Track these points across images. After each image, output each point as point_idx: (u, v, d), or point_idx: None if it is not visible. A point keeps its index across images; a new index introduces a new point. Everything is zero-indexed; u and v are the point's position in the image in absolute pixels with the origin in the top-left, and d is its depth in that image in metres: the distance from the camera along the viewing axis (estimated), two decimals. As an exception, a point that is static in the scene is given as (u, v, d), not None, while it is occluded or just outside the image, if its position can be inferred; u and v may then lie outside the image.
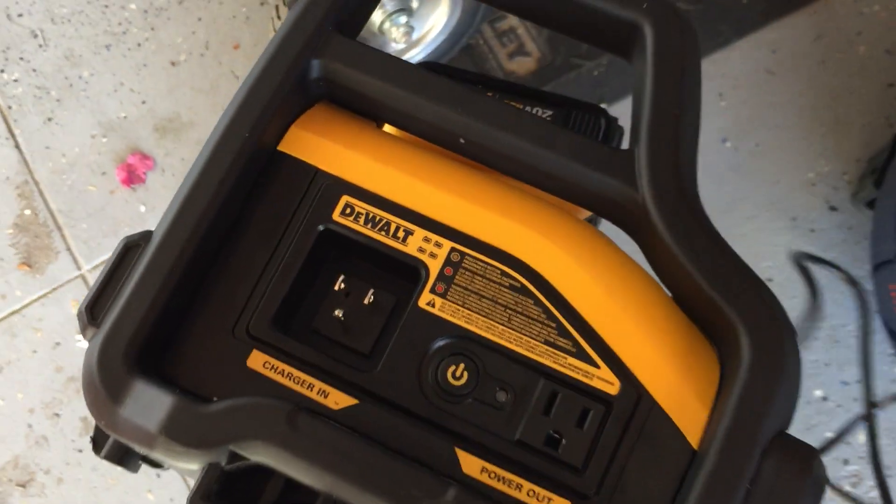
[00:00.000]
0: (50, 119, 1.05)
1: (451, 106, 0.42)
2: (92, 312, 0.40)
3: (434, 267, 0.42)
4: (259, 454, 0.36)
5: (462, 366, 0.40)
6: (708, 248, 0.39)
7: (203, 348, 0.41)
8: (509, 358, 0.40)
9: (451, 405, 0.40)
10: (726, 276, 0.39)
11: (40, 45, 1.07)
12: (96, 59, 1.07)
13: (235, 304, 0.41)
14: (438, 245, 0.42)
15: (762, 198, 1.00)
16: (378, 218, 0.42)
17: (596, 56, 1.03)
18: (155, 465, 0.41)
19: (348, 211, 0.42)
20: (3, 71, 1.07)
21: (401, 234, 0.42)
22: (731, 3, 1.05)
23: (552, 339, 0.40)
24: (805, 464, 0.36)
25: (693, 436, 0.39)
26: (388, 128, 0.48)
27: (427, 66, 0.54)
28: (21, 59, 1.07)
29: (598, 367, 0.40)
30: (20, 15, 1.08)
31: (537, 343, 0.40)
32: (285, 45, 0.43)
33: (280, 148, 0.44)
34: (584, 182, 0.42)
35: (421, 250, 0.42)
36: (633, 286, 0.42)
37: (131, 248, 0.41)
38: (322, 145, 0.44)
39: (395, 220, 0.42)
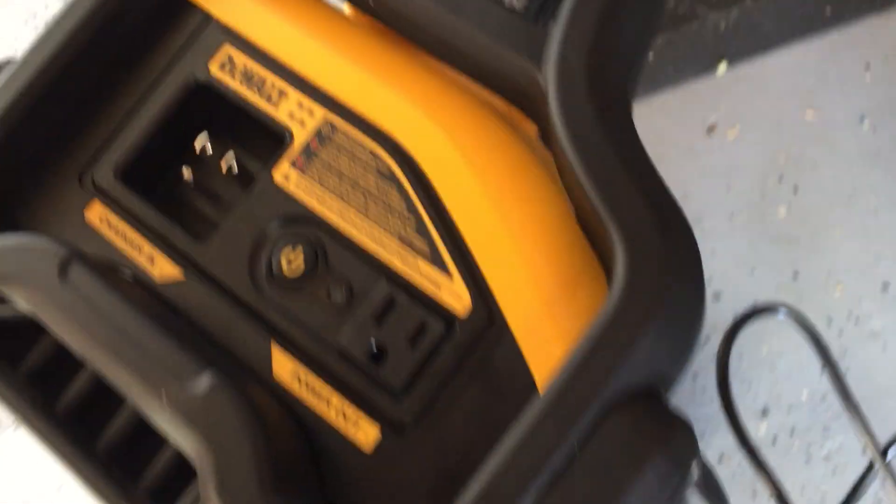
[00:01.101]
0: None
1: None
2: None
3: (300, 136, 0.35)
4: (24, 300, 0.32)
5: (300, 251, 0.34)
6: (606, 150, 0.31)
7: (48, 193, 0.37)
8: (354, 252, 0.34)
9: (280, 295, 0.34)
10: (620, 186, 0.30)
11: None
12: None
13: (90, 148, 0.37)
14: (311, 112, 0.36)
15: (894, 191, 0.85)
16: (253, 75, 0.37)
17: (725, 6, 0.91)
18: None
19: (226, 63, 0.37)
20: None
21: (274, 94, 0.36)
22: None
23: (407, 237, 0.33)
24: (658, 435, 0.27)
25: (542, 377, 0.31)
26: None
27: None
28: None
29: (450, 277, 0.32)
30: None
31: (390, 239, 0.33)
32: None
33: (180, -9, 0.39)
34: (487, 56, 0.34)
35: (291, 116, 0.36)
36: (522, 192, 0.34)
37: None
38: (222, -9, 0.38)
39: (272, 79, 0.36)
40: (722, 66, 0.90)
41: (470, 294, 0.32)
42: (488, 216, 0.33)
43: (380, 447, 0.31)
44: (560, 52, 0.32)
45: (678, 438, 0.28)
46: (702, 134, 0.90)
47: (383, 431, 0.31)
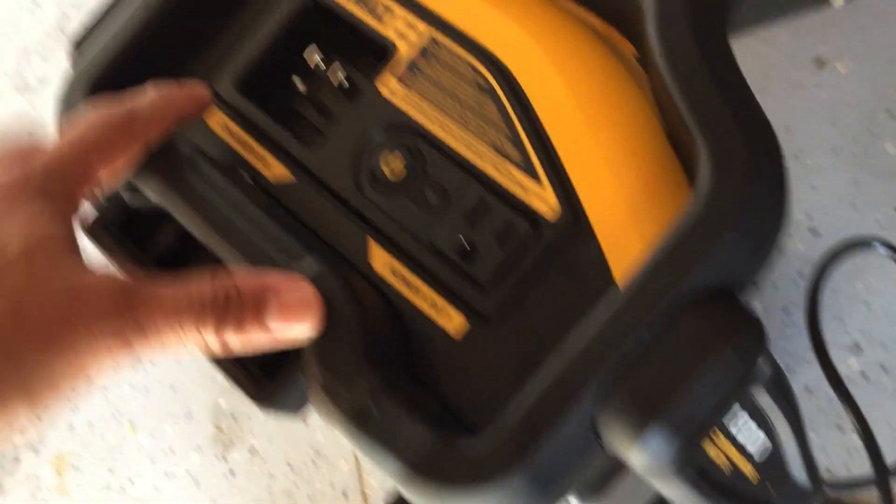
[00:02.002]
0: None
1: None
2: (79, 45, 0.41)
3: (404, 51, 0.38)
4: (152, 190, 0.36)
5: (400, 157, 0.37)
6: (699, 65, 0.32)
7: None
8: (450, 158, 0.36)
9: (379, 196, 0.37)
10: (710, 100, 0.31)
11: None
12: None
13: (212, 60, 0.41)
14: (415, 28, 0.38)
15: None
16: (362, -7, 0.39)
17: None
18: None
19: (336, -19, 0.40)
20: None
21: (380, 10, 0.39)
22: None
23: (501, 146, 0.35)
24: (726, 329, 0.29)
25: (622, 275, 0.33)
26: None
27: None
28: None
29: (540, 183, 0.35)
30: None
31: (485, 148, 0.36)
32: None
33: (295, -88, 0.41)
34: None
35: (397, 32, 0.38)
36: (613, 105, 0.35)
37: (128, -10, 0.41)
38: (335, -87, 0.41)
39: (379, -3, 0.39)
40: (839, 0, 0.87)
41: (557, 198, 0.34)
42: (579, 126, 0.35)
43: (466, 334, 0.34)
44: (657, -28, 0.33)
45: (747, 332, 0.29)
46: (810, 68, 0.88)
47: (470, 321, 0.34)
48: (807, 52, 0.89)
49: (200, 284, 0.30)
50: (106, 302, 0.28)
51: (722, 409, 0.29)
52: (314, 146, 0.38)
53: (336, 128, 0.38)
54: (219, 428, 0.86)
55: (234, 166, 0.38)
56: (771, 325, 0.77)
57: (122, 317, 0.28)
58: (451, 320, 0.34)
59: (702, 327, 0.29)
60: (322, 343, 0.32)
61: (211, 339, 0.29)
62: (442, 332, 0.34)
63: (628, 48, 0.40)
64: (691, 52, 0.32)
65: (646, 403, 0.28)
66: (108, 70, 0.39)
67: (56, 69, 1.08)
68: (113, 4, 0.41)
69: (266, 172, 0.38)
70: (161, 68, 0.40)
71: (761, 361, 0.30)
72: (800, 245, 0.82)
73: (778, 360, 0.76)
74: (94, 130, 0.32)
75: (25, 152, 0.32)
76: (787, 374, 0.78)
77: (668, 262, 0.30)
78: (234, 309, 0.29)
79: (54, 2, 1.10)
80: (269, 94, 0.40)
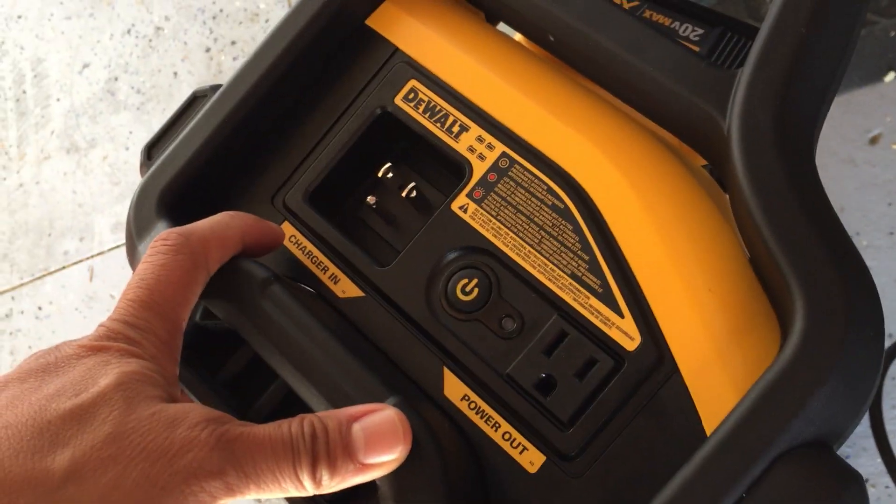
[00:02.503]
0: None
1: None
2: (150, 152, 0.41)
3: (479, 169, 0.37)
4: (225, 313, 0.35)
5: (476, 281, 0.36)
6: (790, 202, 0.31)
7: (240, 209, 0.40)
8: (527, 284, 0.35)
9: (454, 321, 0.36)
10: (803, 240, 0.30)
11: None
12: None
13: (282, 172, 0.40)
14: (490, 147, 0.37)
15: None
16: (438, 108, 0.39)
17: None
18: None
19: (411, 96, 0.39)
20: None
21: (455, 128, 0.38)
22: None
23: (580, 274, 0.35)
24: (829, 488, 0.28)
25: (711, 422, 0.31)
26: (502, 26, 0.44)
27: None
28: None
29: (622, 315, 0.34)
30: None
31: (562, 274, 0.35)
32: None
33: (368, 22, 0.41)
34: (669, 99, 0.35)
35: (471, 150, 0.38)
36: (696, 233, 0.34)
37: (199, 97, 0.41)
38: (408, 24, 0.41)
39: (454, 113, 0.38)
40: (890, 76, 0.86)
41: (640, 333, 0.33)
42: (661, 257, 0.34)
43: (543, 473, 0.33)
44: (747, 101, 0.32)
45: (849, 492, 0.28)
46: (863, 145, 0.87)
47: (548, 459, 0.33)
48: (860, 128, 0.88)
49: (291, 424, 0.29)
50: (206, 449, 0.28)
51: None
52: (386, 265, 0.37)
53: (409, 246, 0.37)
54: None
55: (304, 285, 0.38)
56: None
57: (224, 463, 0.27)
58: (528, 457, 0.33)
59: (802, 486, 0.28)
60: (400, 482, 0.31)
61: (306, 479, 0.29)
62: (518, 468, 0.33)
63: (699, 160, 0.39)
64: (779, 180, 0.31)
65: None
66: (177, 179, 0.39)
67: (105, 130, 1.10)
68: (183, 110, 0.41)
69: (335, 288, 0.38)
70: (233, 175, 0.40)
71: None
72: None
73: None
74: (159, 279, 0.32)
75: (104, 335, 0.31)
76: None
77: (766, 413, 0.28)
78: (323, 446, 0.29)
79: (103, 64, 1.11)
80: (339, 208, 0.40)
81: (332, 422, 0.30)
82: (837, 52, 0.34)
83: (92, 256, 1.06)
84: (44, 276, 1.07)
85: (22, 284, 1.08)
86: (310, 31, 0.39)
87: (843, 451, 0.75)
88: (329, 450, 0.29)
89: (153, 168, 0.39)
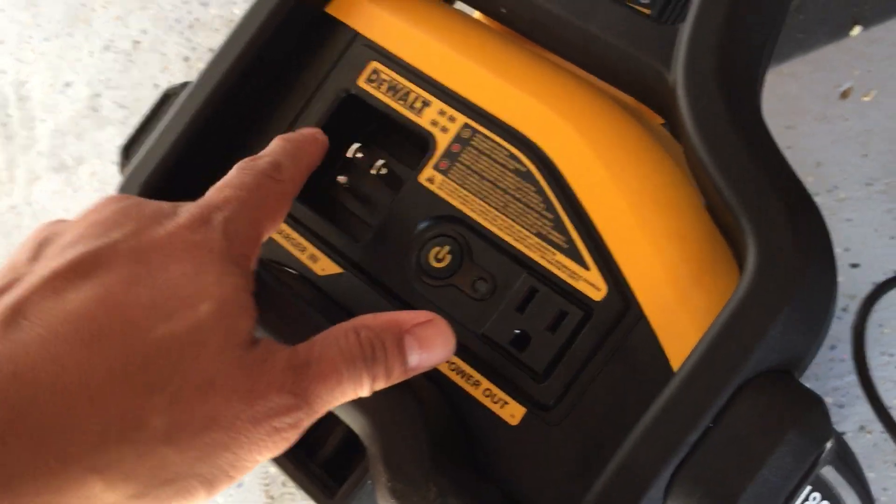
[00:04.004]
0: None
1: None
2: (127, 152, 0.42)
3: (442, 141, 0.39)
4: None
5: (447, 248, 0.37)
6: (734, 143, 0.32)
7: (221, 200, 0.41)
8: (496, 247, 0.37)
9: (429, 288, 0.37)
10: (750, 178, 0.32)
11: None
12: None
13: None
14: (452, 119, 0.39)
15: None
16: (399, 86, 0.40)
17: (858, -33, 0.89)
18: None
19: (373, 77, 0.41)
20: None
21: (418, 104, 0.39)
22: None
23: (545, 233, 0.36)
24: (792, 411, 0.29)
25: (678, 361, 0.33)
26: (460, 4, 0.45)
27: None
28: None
29: (587, 268, 0.35)
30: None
31: (529, 234, 0.36)
32: None
33: (327, 9, 0.43)
34: (617, 57, 0.36)
35: (434, 123, 0.39)
36: (653, 184, 0.36)
37: (170, 96, 0.43)
38: (366, 8, 0.42)
39: (416, 90, 0.40)
40: (856, 30, 0.88)
41: (606, 283, 0.34)
42: (622, 209, 0.35)
43: (524, 424, 0.34)
44: (689, 52, 0.34)
45: (812, 415, 0.29)
46: (835, 100, 0.88)
47: (528, 410, 0.34)
48: (830, 84, 0.89)
49: (348, 340, 0.30)
50: (280, 384, 0.28)
51: (794, 494, 0.29)
52: (360, 240, 0.39)
53: (381, 220, 0.39)
54: (271, 497, 0.87)
55: (279, 261, 0.39)
56: (818, 364, 0.76)
57: (295, 400, 0.28)
58: (509, 411, 0.34)
59: (765, 411, 0.29)
60: (387, 444, 0.32)
61: (363, 393, 0.31)
62: (500, 421, 0.34)
63: (656, 119, 0.40)
64: (724, 126, 0.32)
65: (716, 495, 0.28)
66: (155, 174, 0.40)
67: (91, 147, 1.11)
68: (154, 111, 0.43)
69: (314, 267, 0.39)
70: (206, 169, 0.42)
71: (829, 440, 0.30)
72: (840, 278, 0.81)
73: (829, 399, 0.76)
74: (252, 192, 0.33)
75: (206, 214, 0.31)
76: (840, 412, 0.77)
77: (727, 345, 0.30)
78: (383, 363, 0.30)
79: (85, 81, 1.12)
80: (312, 189, 0.41)
81: (389, 337, 0.31)
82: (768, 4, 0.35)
83: (88, 272, 1.08)
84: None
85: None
86: (271, 23, 0.41)
87: (836, 401, 0.77)
88: (387, 367, 0.31)
89: (132, 166, 0.41)
